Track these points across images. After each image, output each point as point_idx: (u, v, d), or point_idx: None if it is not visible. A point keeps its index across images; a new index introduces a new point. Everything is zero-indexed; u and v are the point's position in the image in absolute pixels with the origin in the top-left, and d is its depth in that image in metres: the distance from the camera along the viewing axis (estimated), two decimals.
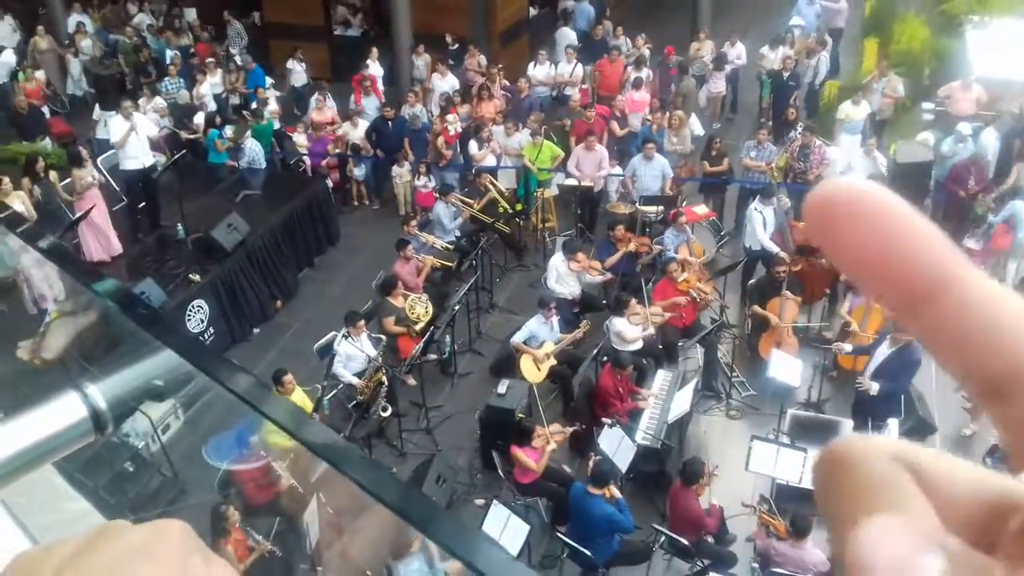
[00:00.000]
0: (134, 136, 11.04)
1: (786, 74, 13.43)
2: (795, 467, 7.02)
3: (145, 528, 0.46)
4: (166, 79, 14.20)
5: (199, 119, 13.04)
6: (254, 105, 13.20)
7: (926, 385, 8.78)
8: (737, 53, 14.63)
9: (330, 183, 12.39)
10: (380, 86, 14.40)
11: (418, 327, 9.05)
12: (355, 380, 8.38)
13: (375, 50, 14.81)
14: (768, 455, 7.17)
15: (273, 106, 13.35)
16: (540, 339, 8.76)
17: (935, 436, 8.43)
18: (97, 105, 13.77)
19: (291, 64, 15.02)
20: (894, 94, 12.82)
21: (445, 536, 1.13)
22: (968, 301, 0.32)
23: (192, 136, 12.91)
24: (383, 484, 1.19)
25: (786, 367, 8.36)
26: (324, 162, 12.67)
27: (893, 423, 7.69)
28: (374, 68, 14.55)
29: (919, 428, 8.32)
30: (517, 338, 8.69)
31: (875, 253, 0.32)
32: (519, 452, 7.39)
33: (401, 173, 12.17)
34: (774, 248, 9.78)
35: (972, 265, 0.33)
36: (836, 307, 9.77)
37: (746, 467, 7.17)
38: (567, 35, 15.63)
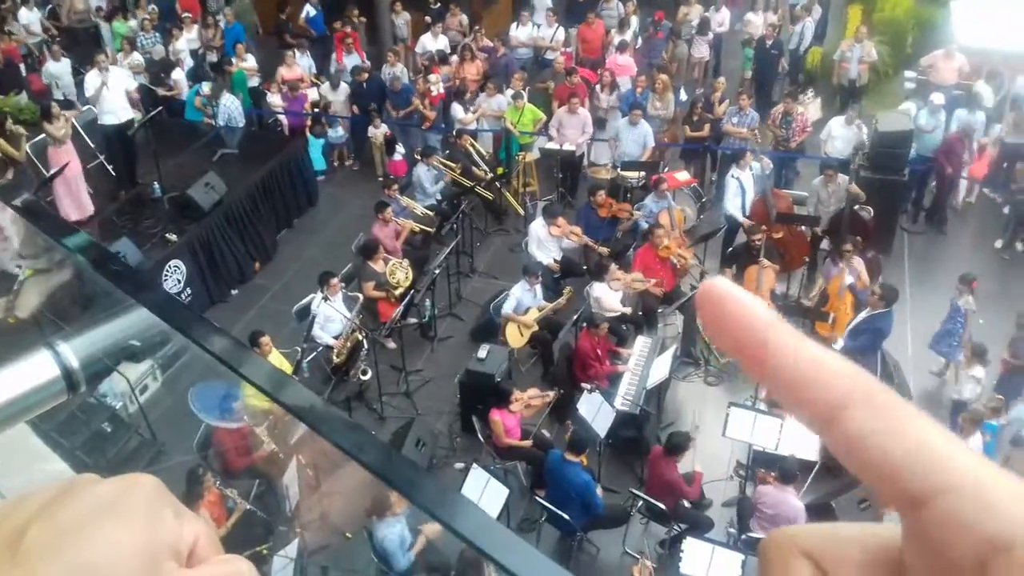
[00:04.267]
0: (106, 91, 10.82)
1: (769, 42, 13.35)
2: (771, 434, 7.09)
3: (115, 481, 0.45)
4: (141, 34, 13.89)
5: (177, 75, 12.79)
6: (234, 60, 12.94)
7: (901, 353, 8.91)
8: (720, 19, 14.53)
9: (321, 141, 12.24)
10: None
11: (398, 292, 9.01)
12: (333, 341, 8.34)
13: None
14: (745, 422, 7.23)
15: (251, 63, 13.11)
16: (524, 306, 8.75)
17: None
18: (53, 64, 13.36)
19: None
20: (869, 59, 12.80)
21: (426, 499, 1.11)
22: (868, 429, 0.35)
23: (169, 93, 12.66)
24: (364, 447, 1.17)
25: None
26: (308, 122, 12.47)
27: None
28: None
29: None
30: (507, 308, 8.66)
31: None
32: (497, 417, 7.41)
33: (376, 134, 12.04)
34: (740, 216, 9.84)
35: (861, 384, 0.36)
36: (815, 275, 9.83)
37: (723, 433, 7.23)
38: None
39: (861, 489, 6.49)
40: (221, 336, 1.27)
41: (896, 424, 0.35)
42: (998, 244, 10.94)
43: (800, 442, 7.02)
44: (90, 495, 0.43)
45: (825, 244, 9.95)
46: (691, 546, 6.19)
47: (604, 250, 9.56)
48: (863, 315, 8.04)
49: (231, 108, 11.90)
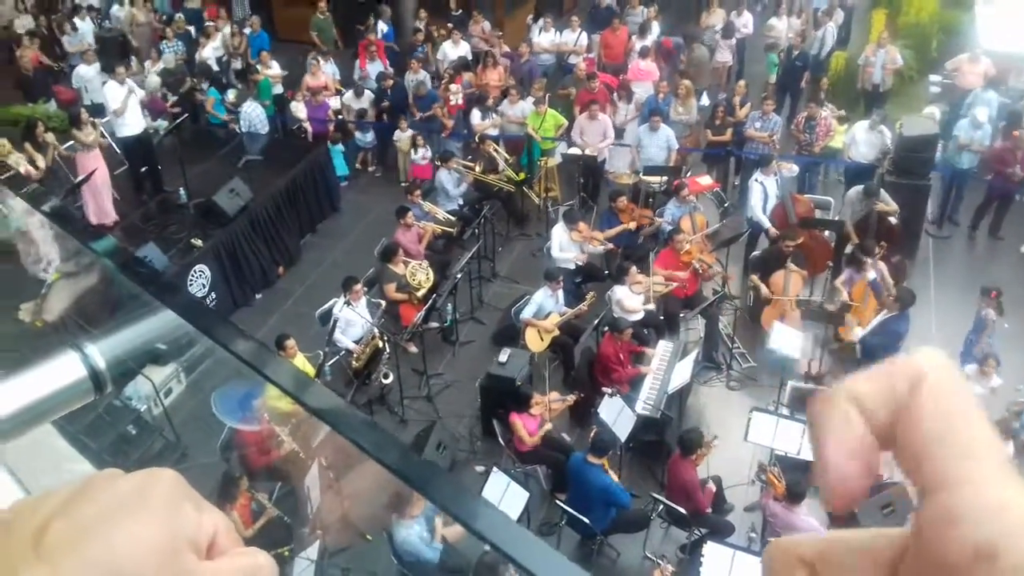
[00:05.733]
0: (133, 100, 10.99)
1: (795, 52, 13.25)
2: (793, 439, 7.06)
3: (136, 476, 0.46)
4: (163, 42, 14.08)
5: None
6: (258, 67, 13.07)
7: None
8: (744, 22, 14.49)
9: (341, 148, 12.34)
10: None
11: (420, 294, 9.06)
12: (353, 346, 8.40)
13: (387, 8, 14.67)
14: (767, 426, 7.20)
15: (276, 70, 13.24)
16: (546, 311, 8.76)
17: None
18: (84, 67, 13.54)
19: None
20: (893, 64, 12.71)
21: (446, 499, 1.14)
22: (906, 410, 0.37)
23: (199, 99, 12.81)
24: (385, 447, 1.19)
25: (787, 339, 8.37)
26: (331, 128, 12.58)
27: None
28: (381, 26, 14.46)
29: None
30: (527, 313, 8.68)
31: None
32: (517, 421, 7.42)
33: (402, 138, 12.11)
34: (766, 222, 9.78)
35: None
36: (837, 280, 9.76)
37: (745, 438, 7.21)
38: None
39: (886, 495, 6.44)
40: (245, 339, 1.30)
41: (947, 409, 0.36)
42: (1023, 249, 10.82)
43: None
44: (111, 490, 0.44)
45: (849, 248, 9.89)
46: (712, 551, 6.18)
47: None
48: (879, 318, 7.99)
49: (252, 116, 12.02)
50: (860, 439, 0.38)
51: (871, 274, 8.62)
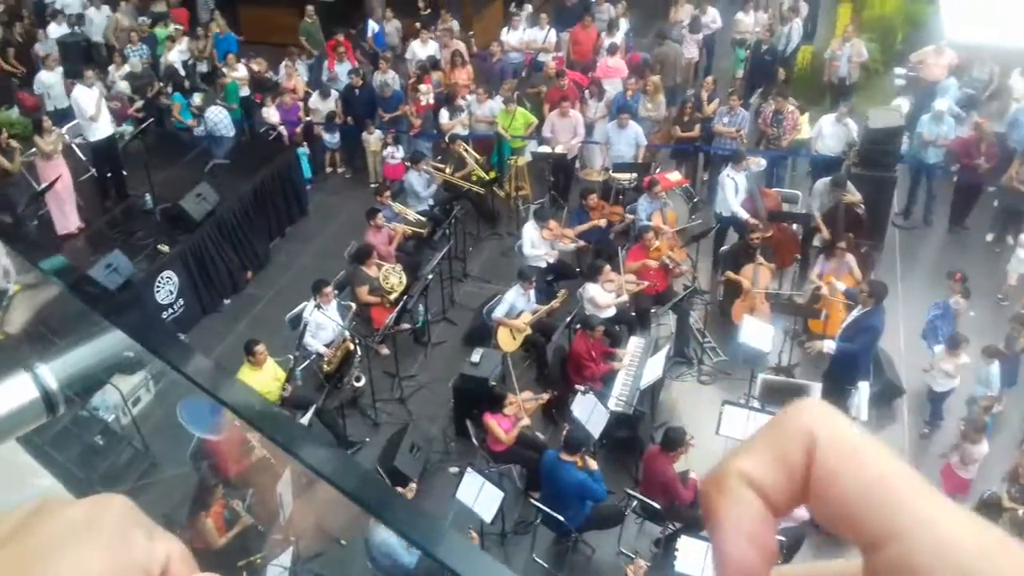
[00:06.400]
0: (103, 103, 10.86)
1: (764, 47, 13.34)
2: None
3: (85, 503, 0.45)
4: (128, 46, 13.90)
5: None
6: (224, 70, 12.95)
7: (894, 348, 8.94)
8: (712, 17, 14.56)
9: (306, 151, 12.26)
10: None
11: (391, 297, 9.03)
12: (324, 350, 8.35)
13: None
14: (739, 419, 7.26)
15: (242, 72, 13.13)
16: (518, 310, 8.77)
17: (903, 398, 8.60)
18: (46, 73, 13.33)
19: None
20: (859, 58, 12.85)
21: (401, 522, 1.14)
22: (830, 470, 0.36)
23: (164, 103, 12.67)
24: (343, 471, 1.19)
25: (757, 332, 8.45)
26: (297, 130, 12.51)
27: (863, 386, 7.82)
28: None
29: (887, 391, 8.48)
30: (499, 312, 8.68)
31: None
32: (491, 421, 7.43)
33: (370, 140, 12.06)
34: (744, 215, 9.84)
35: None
36: (807, 272, 9.86)
37: (717, 431, 7.26)
38: None
39: None
40: (196, 357, 1.29)
41: (856, 464, 0.35)
42: (989, 238, 10.98)
43: None
44: (60, 518, 0.43)
45: (817, 241, 9.99)
46: (686, 545, 6.21)
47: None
48: (855, 313, 8.06)
49: (216, 119, 11.90)
50: (757, 521, 0.37)
51: (840, 285, 8.70)
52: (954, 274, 8.74)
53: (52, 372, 0.95)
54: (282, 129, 12.39)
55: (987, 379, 7.97)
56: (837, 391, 7.90)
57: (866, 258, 9.39)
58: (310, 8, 14.60)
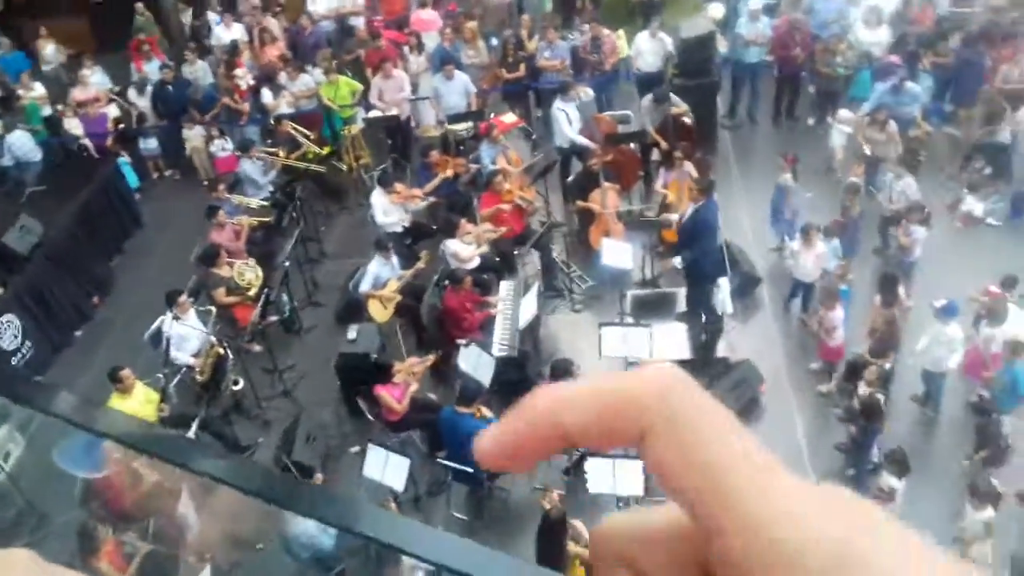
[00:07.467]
0: None
1: None
2: (643, 343, 7.41)
3: None
4: None
5: None
6: (20, 92, 12.00)
7: (742, 238, 9.44)
8: None
9: (127, 159, 11.59)
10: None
11: (251, 293, 8.75)
12: (192, 360, 8.04)
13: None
14: (617, 338, 7.52)
15: (39, 91, 12.21)
16: (383, 279, 8.68)
17: (762, 285, 9.10)
18: None
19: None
20: None
21: (315, 508, 1.13)
22: (663, 458, 0.37)
23: None
24: (240, 471, 1.16)
25: (617, 253, 8.72)
26: (109, 141, 11.79)
27: (723, 281, 8.23)
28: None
29: (746, 282, 8.96)
30: (365, 285, 8.57)
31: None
32: (382, 392, 7.39)
33: (191, 136, 11.52)
34: (583, 141, 10.05)
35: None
36: (652, 186, 10.21)
37: (599, 354, 7.49)
38: None
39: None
40: (61, 395, 1.23)
41: (687, 452, 0.36)
42: (811, 122, 11.67)
43: (670, 345, 7.39)
44: None
45: (656, 155, 10.33)
46: (593, 466, 6.43)
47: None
48: (688, 211, 8.41)
49: (17, 144, 11.05)
50: (539, 440, 0.39)
51: (686, 169, 9.08)
52: (786, 155, 9.30)
53: None
54: (86, 141, 11.64)
55: (836, 251, 8.57)
56: (700, 292, 8.29)
57: (701, 163, 9.80)
58: (139, 5, 13.71)
